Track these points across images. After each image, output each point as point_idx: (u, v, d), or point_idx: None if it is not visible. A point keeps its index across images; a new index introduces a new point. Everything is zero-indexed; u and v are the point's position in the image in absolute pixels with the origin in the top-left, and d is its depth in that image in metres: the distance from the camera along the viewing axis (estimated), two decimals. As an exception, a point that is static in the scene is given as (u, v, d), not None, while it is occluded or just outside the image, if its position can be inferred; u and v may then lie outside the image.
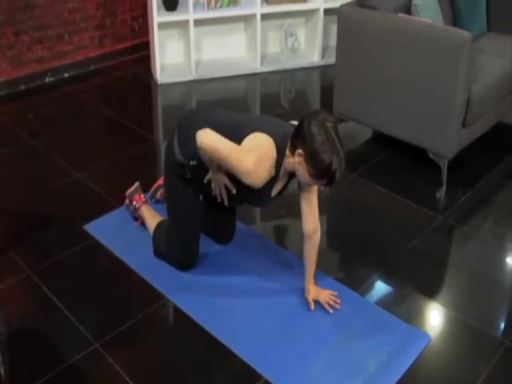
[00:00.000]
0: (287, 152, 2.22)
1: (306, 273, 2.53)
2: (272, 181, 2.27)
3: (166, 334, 2.45)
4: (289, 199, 3.23)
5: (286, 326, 2.42)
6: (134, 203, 2.93)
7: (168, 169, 2.57)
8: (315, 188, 2.42)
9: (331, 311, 2.49)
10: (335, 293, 2.55)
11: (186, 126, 2.46)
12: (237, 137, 2.23)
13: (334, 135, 2.12)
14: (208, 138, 2.22)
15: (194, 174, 2.44)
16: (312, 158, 2.13)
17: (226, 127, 2.30)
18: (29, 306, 2.57)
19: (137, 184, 3.02)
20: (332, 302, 2.51)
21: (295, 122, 2.24)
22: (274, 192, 2.39)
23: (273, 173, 2.24)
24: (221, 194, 2.45)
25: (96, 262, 2.78)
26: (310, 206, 2.44)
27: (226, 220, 2.80)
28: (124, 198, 3.01)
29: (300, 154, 2.15)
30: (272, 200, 2.43)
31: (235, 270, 2.69)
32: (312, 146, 2.11)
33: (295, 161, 2.18)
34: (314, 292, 2.53)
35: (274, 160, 2.22)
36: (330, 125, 2.12)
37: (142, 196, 2.96)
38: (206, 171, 2.41)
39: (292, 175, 2.36)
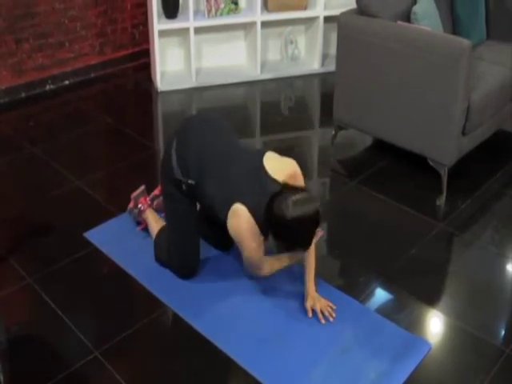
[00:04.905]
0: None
1: (306, 279, 2.53)
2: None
3: (166, 342, 2.45)
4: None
5: (286, 334, 2.42)
6: (140, 206, 2.93)
7: (164, 177, 2.57)
8: None
9: (323, 321, 2.46)
10: (334, 306, 2.53)
11: (184, 139, 2.48)
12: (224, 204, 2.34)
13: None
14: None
15: (189, 191, 2.46)
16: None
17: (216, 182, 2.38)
18: (29, 313, 2.56)
19: (143, 187, 3.01)
20: (327, 313, 2.49)
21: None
22: None
23: (261, 236, 2.36)
24: None
25: (96, 269, 2.78)
26: None
27: (225, 227, 2.80)
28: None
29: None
30: None
31: (236, 278, 2.69)
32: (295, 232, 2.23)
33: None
34: (311, 299, 2.52)
35: (257, 228, 2.32)
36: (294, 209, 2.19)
37: (148, 199, 2.96)
38: (202, 191, 2.41)
39: None
